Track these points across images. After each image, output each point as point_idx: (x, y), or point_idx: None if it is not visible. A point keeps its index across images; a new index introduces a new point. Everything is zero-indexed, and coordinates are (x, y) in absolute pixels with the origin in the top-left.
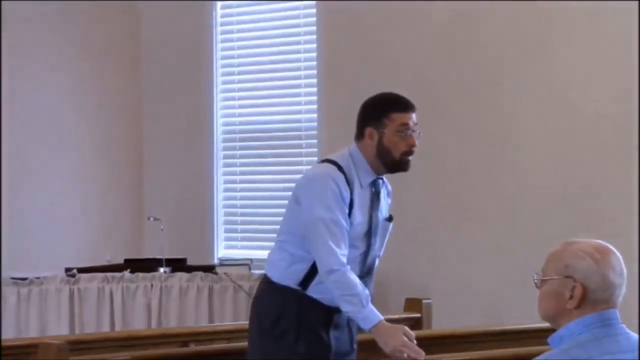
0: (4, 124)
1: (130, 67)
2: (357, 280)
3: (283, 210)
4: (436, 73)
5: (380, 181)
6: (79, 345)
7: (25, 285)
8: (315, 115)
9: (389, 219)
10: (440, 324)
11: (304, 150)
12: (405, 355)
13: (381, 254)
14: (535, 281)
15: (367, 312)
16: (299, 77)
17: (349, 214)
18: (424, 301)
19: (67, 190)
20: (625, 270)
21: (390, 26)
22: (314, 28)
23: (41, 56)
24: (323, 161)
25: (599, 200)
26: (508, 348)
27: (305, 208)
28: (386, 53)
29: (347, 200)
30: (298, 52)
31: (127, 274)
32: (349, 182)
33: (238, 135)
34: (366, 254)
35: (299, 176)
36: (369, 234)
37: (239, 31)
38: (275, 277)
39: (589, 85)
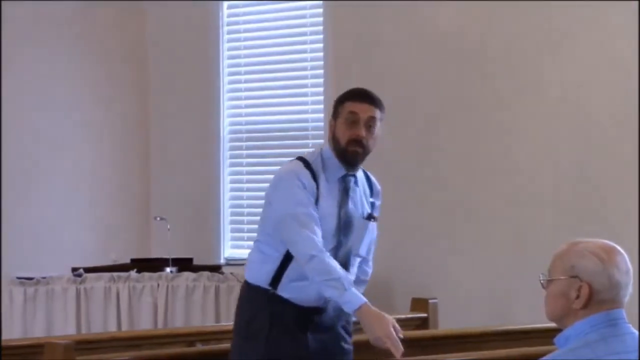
0: (10, 124)
1: (137, 68)
2: (336, 264)
3: None
4: (442, 73)
5: (352, 178)
6: (85, 345)
7: (32, 285)
8: (322, 115)
9: (368, 217)
10: (447, 323)
11: (310, 151)
12: (386, 346)
13: (365, 254)
14: (542, 281)
15: (349, 296)
16: (305, 77)
17: (316, 207)
18: (431, 301)
19: (73, 190)
20: (631, 270)
21: (397, 25)
22: (321, 28)
23: (47, 58)
24: (293, 159)
25: (606, 201)
26: (514, 348)
27: (275, 207)
28: (392, 52)
29: (314, 194)
30: (304, 51)
31: (133, 273)
32: (315, 177)
33: (244, 135)
34: (336, 249)
35: None
36: (339, 230)
37: (245, 31)
38: (249, 278)
39: (592, 89)
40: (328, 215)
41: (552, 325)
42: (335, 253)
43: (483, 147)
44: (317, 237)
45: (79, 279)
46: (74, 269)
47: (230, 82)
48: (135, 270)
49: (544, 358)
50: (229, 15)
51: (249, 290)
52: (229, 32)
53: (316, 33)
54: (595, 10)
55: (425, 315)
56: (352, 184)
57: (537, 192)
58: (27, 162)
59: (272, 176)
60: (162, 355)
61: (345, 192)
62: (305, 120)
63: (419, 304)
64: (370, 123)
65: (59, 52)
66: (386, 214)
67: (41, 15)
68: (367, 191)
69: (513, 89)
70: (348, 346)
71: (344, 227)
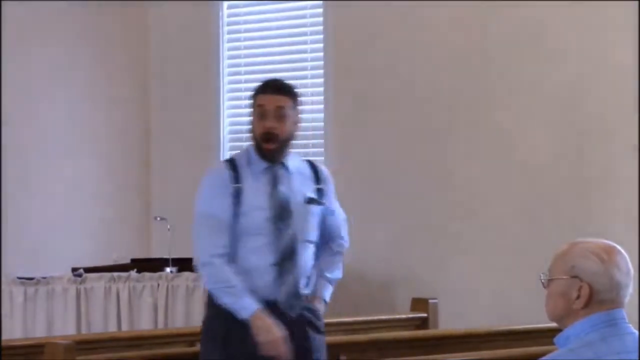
0: (10, 125)
1: (138, 68)
2: (231, 272)
3: None
4: (443, 74)
5: (280, 167)
6: (85, 345)
7: (32, 285)
8: (321, 115)
9: (309, 201)
10: (447, 323)
11: (310, 151)
12: (270, 354)
13: (316, 238)
14: (542, 281)
15: (243, 302)
16: (305, 77)
17: (239, 203)
18: (431, 301)
19: (74, 190)
20: (632, 270)
21: (397, 27)
22: (321, 28)
23: (47, 58)
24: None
25: (608, 201)
26: (515, 348)
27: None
28: (393, 53)
29: (230, 191)
30: (305, 52)
31: (133, 273)
32: (237, 176)
33: (245, 135)
34: (277, 238)
35: None
36: (275, 219)
37: (245, 31)
38: None
39: (591, 87)
40: (258, 209)
41: (553, 325)
42: (276, 242)
43: (484, 147)
44: (216, 241)
45: (79, 279)
46: (74, 269)
47: (231, 82)
48: (135, 270)
49: (544, 358)
50: (229, 15)
51: (209, 294)
52: (229, 32)
53: (316, 33)
54: (594, 9)
55: (425, 315)
56: (280, 173)
57: (538, 192)
58: (27, 163)
59: None
60: (162, 355)
61: (274, 183)
62: (305, 121)
63: (419, 304)
64: (279, 113)
65: (58, 53)
66: (386, 213)
67: (41, 15)
68: (312, 177)
69: (512, 88)
70: (311, 345)
71: (280, 215)
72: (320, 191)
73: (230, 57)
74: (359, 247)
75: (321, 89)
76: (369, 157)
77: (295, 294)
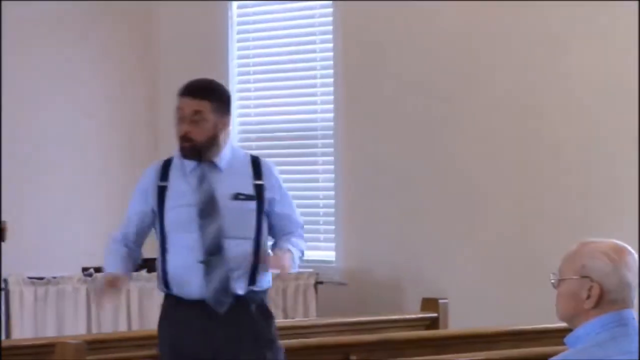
0: (19, 122)
1: (147, 67)
2: (119, 243)
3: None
4: (453, 72)
5: (208, 165)
6: (96, 344)
7: (43, 285)
8: (331, 115)
9: (236, 196)
10: (457, 323)
11: (319, 150)
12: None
13: (249, 234)
14: (553, 281)
15: (108, 261)
16: (314, 77)
17: (163, 201)
18: (441, 301)
19: (84, 189)
20: None
21: (406, 26)
22: (330, 28)
23: (57, 57)
24: None
25: (617, 201)
26: (525, 348)
27: None
28: (402, 53)
29: (153, 188)
30: (314, 51)
31: (144, 273)
32: (166, 172)
33: (254, 135)
34: (201, 234)
35: (315, 176)
36: (201, 216)
37: (254, 31)
38: None
39: (596, 88)
40: (184, 206)
41: (563, 325)
42: (201, 239)
43: (494, 147)
44: (123, 229)
45: (89, 278)
46: (85, 269)
47: (240, 82)
48: (145, 270)
49: (555, 358)
50: (239, 15)
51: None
52: (238, 32)
53: (325, 33)
54: (598, 8)
55: (435, 315)
56: (207, 170)
57: (549, 191)
58: (37, 161)
59: (281, 175)
60: None
61: (200, 180)
62: (315, 121)
63: (429, 304)
64: (194, 117)
65: (67, 51)
66: (396, 213)
67: (51, 12)
68: (250, 173)
69: (522, 87)
70: (218, 345)
71: (205, 211)
72: (259, 187)
73: (240, 57)
74: (369, 247)
75: (330, 89)
76: (378, 156)
77: (224, 291)
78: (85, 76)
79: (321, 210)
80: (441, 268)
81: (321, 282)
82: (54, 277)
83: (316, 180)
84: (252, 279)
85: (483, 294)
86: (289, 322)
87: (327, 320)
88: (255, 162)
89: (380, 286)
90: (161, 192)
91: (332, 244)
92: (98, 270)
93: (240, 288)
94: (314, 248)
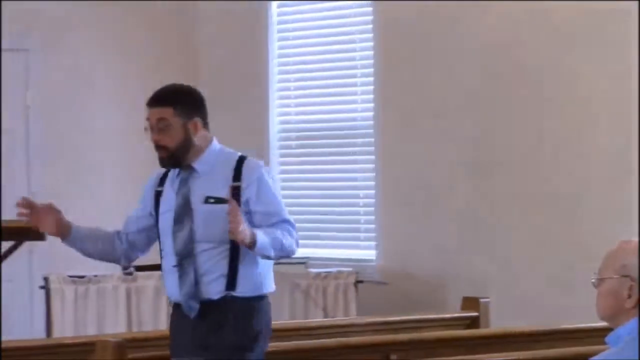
0: (64, 120)
1: (187, 68)
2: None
3: (340, 208)
4: (493, 72)
5: (188, 171)
6: (136, 343)
7: (83, 284)
8: (371, 114)
9: (207, 200)
10: (499, 323)
11: (359, 149)
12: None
13: (221, 237)
14: (593, 281)
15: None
16: (354, 76)
17: (158, 206)
18: (481, 300)
19: (124, 189)
20: None
21: (447, 25)
22: (370, 27)
23: (96, 59)
24: None
25: None
26: (566, 347)
27: None
28: (442, 52)
29: (151, 193)
30: (353, 50)
31: None
32: (164, 178)
33: (294, 134)
34: (174, 241)
35: (355, 175)
36: (175, 220)
37: (294, 30)
38: None
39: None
40: (167, 211)
41: (604, 324)
42: (173, 243)
43: (535, 147)
44: (121, 230)
45: (129, 277)
46: (125, 268)
47: (280, 82)
48: None
49: (595, 357)
50: (279, 15)
51: None
52: (279, 31)
53: (365, 32)
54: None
55: (476, 314)
56: (187, 176)
57: (592, 189)
58: (81, 161)
59: (321, 175)
60: None
61: (179, 186)
62: (355, 120)
63: (469, 302)
64: (160, 125)
65: (108, 50)
66: (436, 211)
67: (92, 11)
68: (229, 176)
69: (560, 95)
70: (201, 343)
71: (178, 216)
72: (236, 189)
73: (280, 56)
74: (409, 245)
75: (370, 87)
76: (418, 156)
77: (194, 296)
78: (124, 76)
79: (361, 210)
80: (482, 267)
81: (361, 281)
82: (95, 276)
83: (356, 180)
84: (231, 284)
85: (524, 293)
86: (328, 321)
87: (367, 320)
88: (239, 164)
89: (421, 285)
90: (157, 198)
91: (372, 243)
92: (139, 268)
93: (215, 293)
94: (354, 247)
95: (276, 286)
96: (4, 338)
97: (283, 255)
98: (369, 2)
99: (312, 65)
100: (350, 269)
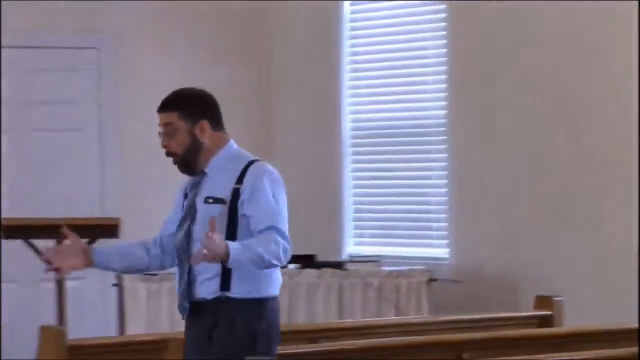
0: (134, 127)
1: (260, 67)
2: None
3: (412, 206)
4: (568, 71)
5: (202, 174)
6: None
7: (156, 282)
8: (444, 112)
9: (206, 200)
10: (572, 322)
11: (432, 148)
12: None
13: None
14: None
15: None
16: (426, 74)
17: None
18: (555, 299)
19: None
20: None
21: (519, 24)
22: (443, 25)
23: (167, 59)
24: None
25: None
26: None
27: None
28: (517, 52)
29: (181, 197)
30: (425, 49)
31: None
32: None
33: (367, 132)
34: (176, 241)
35: (427, 173)
36: (180, 222)
37: (367, 28)
38: None
39: None
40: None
41: None
42: (175, 242)
43: (612, 142)
44: (158, 234)
45: None
46: (154, 275)
47: (352, 79)
48: None
49: None
50: (353, 12)
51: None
52: (351, 29)
53: (437, 30)
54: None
55: (550, 313)
56: (200, 179)
57: None
58: (153, 162)
59: (393, 172)
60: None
61: (192, 187)
62: (427, 118)
63: (543, 302)
64: (167, 130)
65: (180, 50)
66: (510, 209)
67: (164, 10)
68: (235, 178)
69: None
70: (205, 347)
71: (184, 217)
72: (236, 191)
73: (352, 55)
74: (482, 244)
75: (443, 86)
76: (490, 153)
77: (187, 295)
78: (195, 76)
79: (433, 208)
80: (556, 265)
81: (435, 280)
82: (168, 274)
83: (428, 178)
84: (225, 285)
85: (599, 292)
86: (401, 319)
87: (439, 318)
88: (246, 167)
89: (494, 284)
90: (184, 201)
91: (445, 242)
92: None
93: (209, 293)
94: (427, 246)
95: (349, 284)
96: (77, 336)
97: (267, 267)
98: (443, 2)
99: (384, 63)
100: (422, 268)
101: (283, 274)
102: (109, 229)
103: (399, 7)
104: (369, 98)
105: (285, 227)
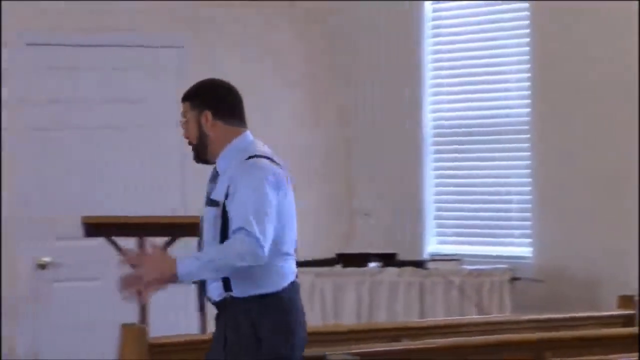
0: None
1: (341, 65)
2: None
3: (494, 205)
4: None
5: (216, 167)
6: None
7: None
8: (526, 110)
9: (207, 202)
10: None
11: (514, 146)
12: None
13: (213, 240)
14: None
15: None
16: (509, 72)
17: None
18: (638, 298)
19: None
20: None
21: (602, 24)
22: (526, 22)
23: (246, 59)
24: None
25: None
26: None
27: None
28: (600, 52)
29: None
30: (507, 47)
31: (338, 268)
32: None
33: (448, 130)
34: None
35: (509, 171)
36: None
37: (448, 26)
38: None
39: None
40: None
41: None
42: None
43: None
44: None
45: None
46: None
47: (434, 77)
48: (340, 264)
49: None
50: (434, 11)
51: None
52: (433, 27)
53: (520, 28)
54: None
55: (633, 312)
56: (215, 174)
57: None
58: None
59: (475, 171)
60: (363, 352)
61: (210, 182)
62: (509, 116)
63: (626, 301)
64: (182, 120)
65: (259, 50)
66: (593, 207)
67: (244, 11)
68: (230, 177)
69: None
70: (221, 343)
71: (203, 214)
72: (227, 190)
73: (434, 53)
74: (565, 243)
75: (525, 84)
76: (573, 150)
77: (201, 294)
78: (275, 76)
79: (515, 206)
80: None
81: (517, 279)
82: None
83: (510, 176)
84: (227, 285)
85: None
86: (483, 318)
87: (521, 317)
88: (242, 164)
89: (576, 283)
90: None
91: (528, 240)
92: (303, 264)
93: (216, 295)
94: (508, 244)
95: (430, 283)
96: (159, 334)
97: (231, 269)
98: (526, 3)
99: (466, 61)
100: (504, 266)
101: (364, 273)
102: (191, 228)
103: (480, 6)
104: (450, 96)
105: (260, 225)
